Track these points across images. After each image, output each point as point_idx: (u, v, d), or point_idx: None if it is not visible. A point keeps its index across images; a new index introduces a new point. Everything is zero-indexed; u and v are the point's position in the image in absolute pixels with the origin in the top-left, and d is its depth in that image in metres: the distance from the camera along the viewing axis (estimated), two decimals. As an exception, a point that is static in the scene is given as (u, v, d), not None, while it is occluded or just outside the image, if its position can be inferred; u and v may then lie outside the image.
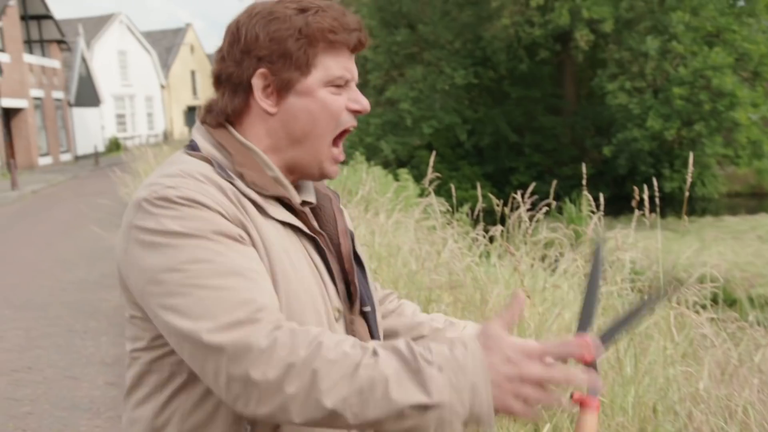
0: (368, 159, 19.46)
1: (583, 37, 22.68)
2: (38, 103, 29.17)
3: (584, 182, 4.29)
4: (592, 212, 4.21)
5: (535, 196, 4.95)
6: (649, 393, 2.77)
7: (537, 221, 4.69)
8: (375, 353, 1.02)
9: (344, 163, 19.91)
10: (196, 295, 1.06)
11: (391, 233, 5.34)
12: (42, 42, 30.55)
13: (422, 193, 8.33)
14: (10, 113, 26.94)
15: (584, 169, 4.58)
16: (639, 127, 22.04)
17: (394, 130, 25.41)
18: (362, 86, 20.17)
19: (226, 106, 1.26)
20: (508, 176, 25.59)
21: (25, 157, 27.37)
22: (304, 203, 1.32)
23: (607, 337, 1.15)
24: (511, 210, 4.91)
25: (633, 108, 21.98)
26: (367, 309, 1.37)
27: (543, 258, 4.78)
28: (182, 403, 1.18)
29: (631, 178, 23.54)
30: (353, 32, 1.26)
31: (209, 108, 1.29)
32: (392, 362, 1.00)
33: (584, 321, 1.18)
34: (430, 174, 5.27)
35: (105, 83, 37.51)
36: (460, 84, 24.95)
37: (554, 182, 5.22)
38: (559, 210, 15.65)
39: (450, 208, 5.59)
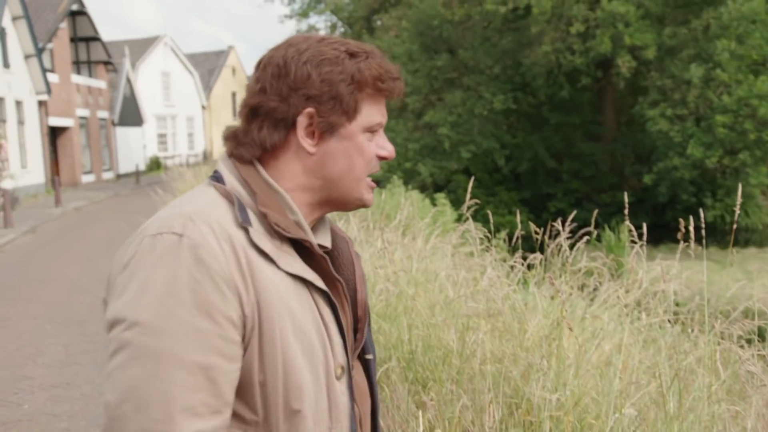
0: (405, 183, 19.48)
1: (624, 64, 22.49)
2: (83, 122, 29.85)
3: (626, 211, 4.22)
4: (634, 241, 4.14)
5: (574, 224, 4.89)
6: (693, 431, 2.69)
7: (578, 249, 4.63)
8: None
9: (381, 186, 19.92)
10: (142, 370, 1.05)
11: (429, 258, 5.31)
12: (89, 63, 31.33)
13: (459, 218, 8.28)
14: (56, 131, 27.61)
15: (626, 198, 4.51)
16: (680, 156, 21.72)
17: (431, 154, 25.41)
18: (401, 110, 20.26)
19: (265, 140, 1.23)
20: (545, 202, 25.38)
21: (70, 174, 27.98)
22: (320, 248, 1.30)
23: None
24: (550, 237, 4.85)
25: (674, 136, 21.68)
26: (369, 357, 1.36)
27: (581, 287, 4.71)
28: None
29: (672, 207, 23.18)
30: (397, 81, 1.28)
31: (238, 139, 1.26)
32: None
33: None
34: (469, 199, 5.24)
35: (148, 103, 38.27)
36: (498, 109, 24.91)
37: (596, 211, 5.15)
38: (598, 238, 15.44)
39: (488, 234, 5.55)
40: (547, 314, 3.96)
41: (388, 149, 1.30)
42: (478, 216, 6.42)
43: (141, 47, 39.82)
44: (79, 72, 30.26)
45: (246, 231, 1.16)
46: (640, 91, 24.64)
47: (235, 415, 1.15)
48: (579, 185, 25.81)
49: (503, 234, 7.17)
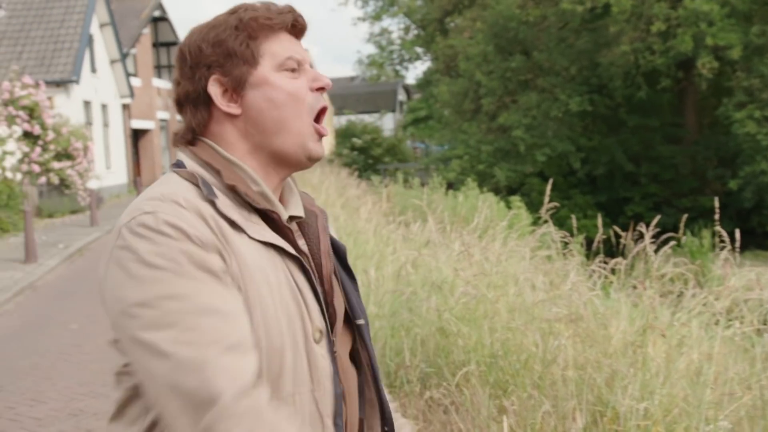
0: (479, 186, 19.33)
1: (705, 65, 21.73)
2: (164, 125, 30.81)
3: (716, 215, 4.06)
4: (723, 247, 3.98)
5: (655, 229, 4.75)
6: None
7: (662, 254, 4.49)
8: None
9: (456, 189, 19.82)
10: (167, 334, 1.07)
11: (506, 262, 5.25)
12: (170, 67, 32.32)
13: (535, 222, 8.16)
14: (138, 134, 28.59)
15: (716, 202, 4.35)
16: (767, 159, 20.84)
17: (506, 158, 25.15)
18: (475, 112, 20.06)
19: (190, 122, 1.29)
20: (621, 206, 24.76)
21: (150, 175, 28.91)
22: (291, 218, 1.31)
23: None
24: (633, 242, 4.72)
25: (762, 139, 20.80)
26: (360, 322, 1.36)
27: (665, 294, 4.57)
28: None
29: (758, 212, 22.27)
30: (286, 14, 1.29)
31: (176, 134, 1.32)
32: None
33: None
34: (547, 203, 5.15)
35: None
36: (574, 111, 24.45)
37: (684, 216, 4.99)
38: (678, 243, 14.95)
39: (568, 237, 5.45)
40: (632, 320, 3.85)
41: (322, 80, 1.29)
42: (554, 220, 6.32)
43: (219, 51, 40.82)
44: (160, 76, 31.26)
45: (213, 204, 1.19)
46: (724, 92, 23.75)
47: None
48: (657, 189, 25.07)
49: (580, 238, 7.03)
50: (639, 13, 22.64)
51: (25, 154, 15.51)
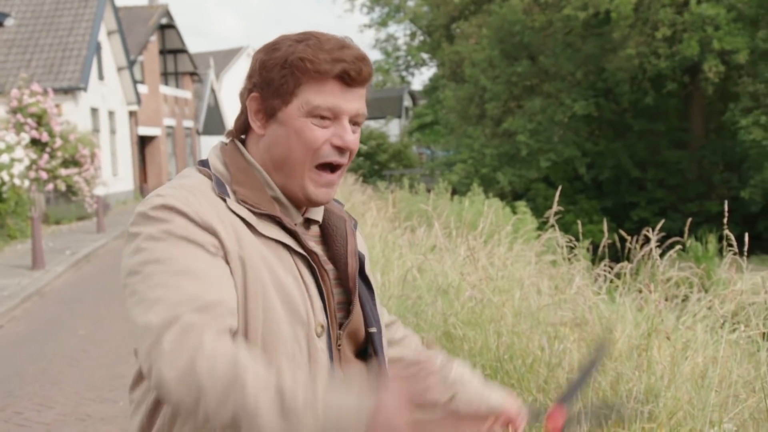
0: (484, 191, 19.34)
1: (711, 69, 21.70)
2: (170, 131, 30.92)
3: (725, 219, 4.06)
4: (730, 251, 3.99)
5: (661, 234, 4.76)
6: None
7: (668, 259, 4.50)
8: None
9: (461, 194, 19.85)
10: (145, 293, 1.15)
11: (512, 266, 5.26)
12: (176, 74, 32.46)
13: (540, 227, 8.17)
14: (145, 140, 28.70)
15: (725, 206, 4.35)
16: (775, 165, 20.80)
17: (510, 162, 25.15)
18: (480, 117, 20.10)
19: (235, 123, 1.38)
20: (628, 211, 24.73)
21: (156, 181, 29.01)
22: (308, 221, 1.38)
23: (568, 398, 1.30)
24: (639, 246, 4.73)
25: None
26: (373, 330, 1.39)
27: (669, 298, 4.57)
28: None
29: (764, 216, 22.21)
30: (339, 63, 1.26)
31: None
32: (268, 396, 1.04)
33: (567, 395, 1.33)
34: (555, 207, 5.16)
35: (231, 112, 39.33)
36: (580, 115, 24.45)
37: (689, 220, 5.00)
38: (683, 248, 14.91)
39: (574, 242, 5.46)
40: (637, 324, 3.86)
41: (343, 139, 1.29)
42: (559, 224, 6.33)
43: (225, 58, 40.97)
44: (166, 83, 31.38)
45: (224, 200, 1.27)
46: (731, 96, 23.73)
47: None
48: (664, 194, 25.04)
49: (585, 243, 7.03)
50: (644, 18, 22.64)
51: (33, 161, 15.59)
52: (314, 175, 1.31)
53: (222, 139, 1.42)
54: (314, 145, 1.28)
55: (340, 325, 1.34)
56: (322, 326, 1.29)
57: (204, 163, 1.35)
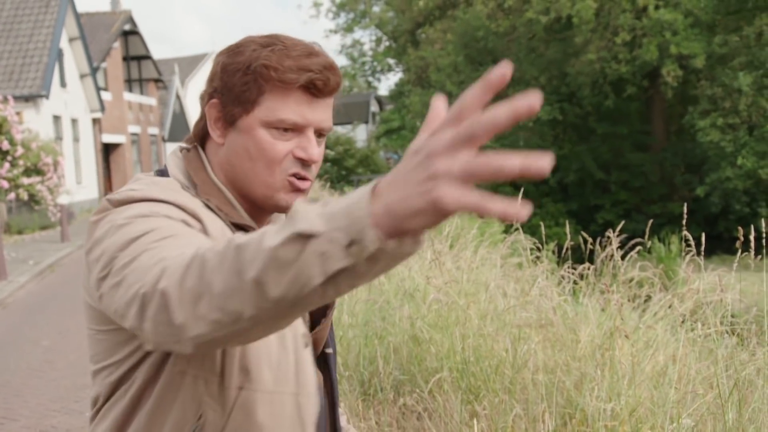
0: (451, 195, 19.48)
1: (670, 73, 22.15)
2: (135, 139, 30.58)
3: (684, 221, 4.16)
4: (690, 251, 4.09)
5: (624, 235, 4.85)
6: (752, 441, 2.66)
7: (628, 260, 4.59)
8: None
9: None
10: (132, 263, 0.99)
11: (478, 269, 5.33)
12: (141, 81, 32.13)
13: (506, 230, 8.27)
14: (109, 148, 28.35)
15: (685, 208, 4.45)
16: (732, 166, 21.26)
17: (477, 167, 25.35)
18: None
19: (194, 128, 1.30)
20: (593, 214, 25.09)
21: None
22: None
23: None
24: (602, 248, 4.82)
25: (726, 145, 21.24)
26: (329, 351, 1.35)
27: (632, 298, 4.66)
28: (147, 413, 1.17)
29: (725, 217, 22.68)
30: (306, 73, 1.17)
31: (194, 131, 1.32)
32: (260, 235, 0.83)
33: None
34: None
35: (196, 119, 39.03)
36: (544, 120, 24.76)
37: (650, 221, 5.11)
38: (647, 249, 15.17)
39: (538, 245, 5.54)
40: (600, 324, 3.94)
41: (307, 152, 1.20)
42: (525, 228, 6.42)
43: (190, 64, 40.66)
44: (131, 90, 31.04)
45: (201, 201, 1.20)
46: (690, 100, 24.25)
47: (197, 366, 1.15)
48: (627, 196, 25.46)
49: (552, 245, 7.15)
50: (605, 23, 23.04)
51: (-6, 170, 15.33)
52: (288, 182, 1.23)
53: (182, 144, 1.33)
54: (276, 159, 1.20)
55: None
56: (306, 337, 1.26)
57: (162, 173, 1.27)
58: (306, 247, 0.77)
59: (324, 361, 1.34)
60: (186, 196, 1.19)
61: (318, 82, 1.18)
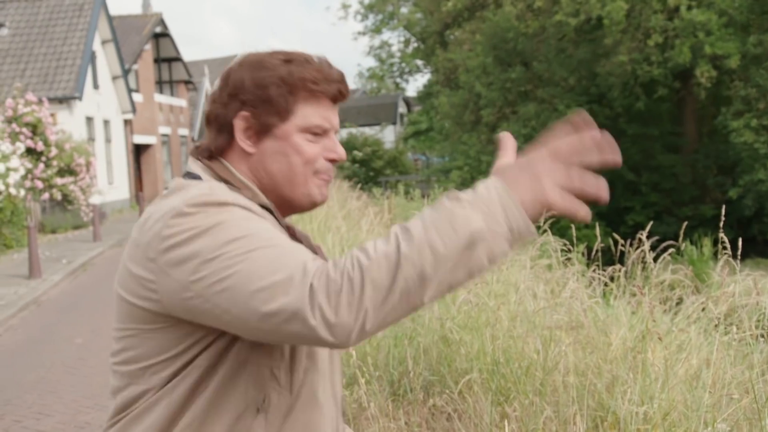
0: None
1: (703, 74, 21.82)
2: (165, 140, 30.93)
3: (721, 223, 4.11)
4: (725, 254, 4.03)
5: (654, 238, 4.80)
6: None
7: (661, 262, 4.54)
8: (406, 233, 1.08)
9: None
10: (242, 268, 1.10)
11: (507, 270, 5.30)
12: (171, 83, 32.50)
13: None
14: (140, 149, 28.71)
15: (723, 211, 4.39)
16: (766, 168, 20.89)
17: (505, 168, 25.19)
18: (475, 123, 20.12)
19: (211, 143, 1.36)
20: (622, 216, 24.79)
21: (152, 189, 29.02)
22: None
23: None
24: (632, 250, 4.77)
25: (759, 147, 20.87)
26: None
27: (663, 301, 4.61)
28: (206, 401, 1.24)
29: (758, 220, 22.30)
30: (333, 83, 1.34)
31: (198, 147, 1.39)
32: (419, 227, 1.07)
33: None
34: (544, 212, 5.18)
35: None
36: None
37: (684, 223, 5.05)
38: (678, 252, 14.95)
39: (569, 246, 5.50)
40: (632, 327, 3.91)
41: (337, 152, 1.36)
42: (554, 229, 6.38)
43: (219, 66, 40.99)
44: (161, 91, 31.41)
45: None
46: (723, 101, 23.87)
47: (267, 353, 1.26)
48: (658, 198, 25.12)
49: (581, 247, 7.09)
50: (636, 24, 22.78)
51: (29, 171, 15.59)
52: (317, 181, 1.36)
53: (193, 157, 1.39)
54: (312, 160, 1.34)
55: None
56: None
57: (194, 177, 1.34)
58: (476, 247, 1.06)
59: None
60: (241, 198, 1.26)
61: (343, 90, 1.36)
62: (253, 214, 1.22)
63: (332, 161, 1.36)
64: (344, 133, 41.08)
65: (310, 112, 1.33)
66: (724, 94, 23.77)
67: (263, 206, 1.32)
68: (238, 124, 1.33)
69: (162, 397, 1.26)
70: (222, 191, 1.23)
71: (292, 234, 1.37)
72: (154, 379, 1.26)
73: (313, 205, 1.39)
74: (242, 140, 1.34)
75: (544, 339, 3.67)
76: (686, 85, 24.26)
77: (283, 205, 1.37)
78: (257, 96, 1.31)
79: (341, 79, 1.36)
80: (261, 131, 1.33)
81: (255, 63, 1.34)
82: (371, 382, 4.01)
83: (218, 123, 1.35)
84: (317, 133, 1.34)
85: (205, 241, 1.14)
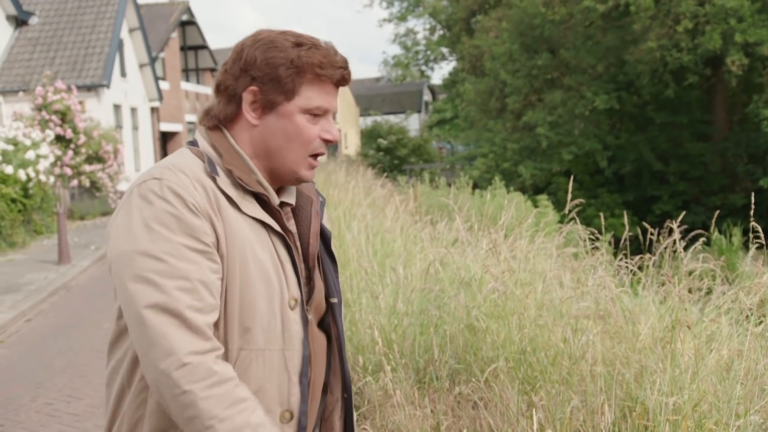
0: (506, 185, 19.28)
1: (735, 62, 21.41)
2: (191, 127, 31.10)
3: (752, 212, 4.04)
4: (757, 243, 3.97)
5: (683, 227, 4.73)
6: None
7: (691, 252, 4.47)
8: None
9: (482, 188, 19.73)
10: (143, 286, 1.32)
11: (534, 259, 5.27)
12: (197, 70, 32.67)
13: (561, 220, 8.15)
14: (166, 136, 28.92)
15: (752, 199, 4.31)
16: (798, 156, 20.52)
17: (531, 156, 25.03)
18: (500, 110, 20.00)
19: (220, 112, 1.49)
20: (650, 205, 24.53)
21: (179, 177, 29.22)
22: (283, 204, 1.50)
23: None
24: (659, 239, 4.71)
25: (792, 135, 20.50)
26: (334, 300, 1.56)
27: (691, 291, 4.55)
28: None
29: (789, 209, 21.93)
30: (338, 69, 1.46)
31: (207, 112, 1.52)
32: None
33: None
34: (570, 200, 5.14)
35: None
36: (601, 109, 24.27)
37: (716, 212, 4.96)
38: (707, 242, 14.73)
39: (596, 235, 5.45)
40: (661, 317, 3.86)
41: (332, 133, 1.49)
42: (580, 218, 6.31)
43: (245, 54, 41.15)
44: (187, 79, 31.59)
45: (213, 179, 1.41)
46: (755, 88, 23.44)
47: None
48: (686, 187, 24.80)
49: (608, 236, 7.00)
50: (666, 9, 22.39)
51: (58, 158, 15.78)
52: (309, 161, 1.49)
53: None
54: (310, 139, 1.47)
55: (307, 300, 1.50)
56: (296, 299, 1.45)
57: (194, 143, 1.51)
58: None
59: (331, 310, 1.56)
60: (200, 180, 1.41)
61: (346, 76, 1.48)
62: (191, 216, 1.37)
63: (327, 142, 1.48)
64: (369, 120, 41.03)
65: (313, 95, 1.45)
66: (756, 82, 23.34)
67: (255, 193, 1.44)
68: (246, 97, 1.46)
69: (119, 362, 1.50)
70: (173, 180, 1.39)
71: (287, 214, 1.52)
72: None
73: (297, 181, 1.51)
74: (248, 112, 1.46)
75: (571, 328, 3.64)
76: (717, 72, 23.84)
77: (271, 174, 1.49)
78: (267, 74, 1.43)
79: (345, 65, 1.47)
80: (266, 107, 1.45)
81: (268, 42, 1.44)
82: (397, 369, 4.01)
83: (228, 93, 1.48)
84: (317, 114, 1.46)
85: (132, 240, 1.37)
